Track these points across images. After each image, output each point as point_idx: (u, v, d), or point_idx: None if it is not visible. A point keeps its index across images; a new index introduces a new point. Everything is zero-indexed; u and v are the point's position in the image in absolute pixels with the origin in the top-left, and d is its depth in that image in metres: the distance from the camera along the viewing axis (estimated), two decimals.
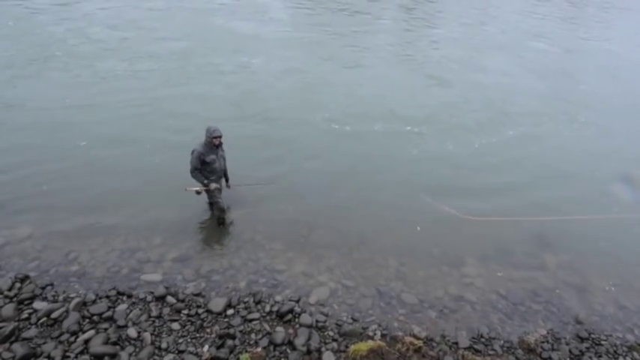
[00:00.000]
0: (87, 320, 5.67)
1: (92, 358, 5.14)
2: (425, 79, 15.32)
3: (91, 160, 9.09)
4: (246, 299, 6.26)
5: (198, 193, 7.26)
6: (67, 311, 5.72)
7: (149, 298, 6.14)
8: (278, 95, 12.84)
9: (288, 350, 5.52)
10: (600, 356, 6.02)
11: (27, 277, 6.27)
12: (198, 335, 5.63)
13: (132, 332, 5.55)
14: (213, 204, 7.54)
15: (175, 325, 5.74)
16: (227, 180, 7.66)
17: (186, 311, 5.96)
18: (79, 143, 9.57)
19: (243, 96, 12.55)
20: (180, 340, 5.53)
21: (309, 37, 18.70)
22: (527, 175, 10.12)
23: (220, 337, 5.58)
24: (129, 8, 19.99)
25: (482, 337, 6.13)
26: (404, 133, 11.41)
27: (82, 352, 5.19)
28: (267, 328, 5.81)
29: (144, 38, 16.39)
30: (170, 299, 6.12)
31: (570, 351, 6.02)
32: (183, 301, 6.14)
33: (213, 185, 7.18)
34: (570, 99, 14.82)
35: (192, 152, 6.92)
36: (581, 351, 6.05)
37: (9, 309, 5.65)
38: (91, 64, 13.64)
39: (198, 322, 5.81)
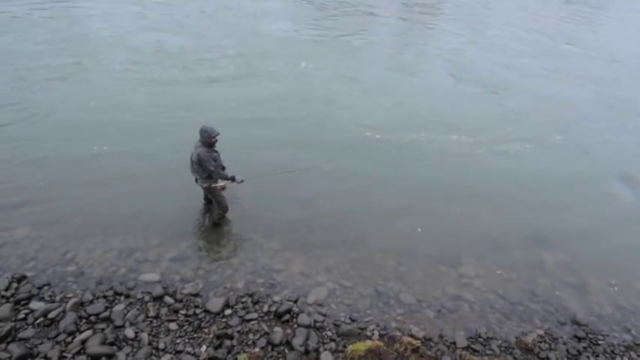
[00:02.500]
0: (84, 320, 5.65)
1: (89, 358, 5.13)
2: (474, 86, 14.91)
3: (90, 160, 9.05)
4: (244, 299, 6.25)
5: (223, 188, 7.29)
6: (64, 311, 5.70)
7: (147, 298, 6.12)
8: (323, 99, 12.80)
9: (286, 350, 5.52)
10: (598, 356, 6.03)
11: (24, 277, 6.24)
12: (195, 335, 5.62)
13: (129, 332, 5.54)
14: (218, 203, 7.46)
15: (173, 326, 5.72)
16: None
17: (183, 311, 5.95)
18: (82, 145, 9.51)
19: (286, 99, 12.50)
20: (178, 341, 5.52)
21: (354, 40, 18.77)
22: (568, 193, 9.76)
23: (218, 337, 5.57)
24: (177, 9, 20.19)
25: (480, 336, 6.14)
26: (432, 140, 11.11)
27: (79, 353, 5.17)
28: (265, 328, 5.81)
29: (191, 42, 16.43)
30: (168, 299, 6.11)
31: (568, 351, 6.04)
32: (180, 301, 6.13)
33: (239, 177, 7.20)
34: (619, 106, 14.60)
35: (200, 155, 6.79)
36: (578, 351, 6.06)
37: (6, 309, 5.63)
38: (134, 66, 13.68)
39: (196, 322, 5.80)
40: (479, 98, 14.04)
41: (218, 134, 6.85)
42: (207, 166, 6.86)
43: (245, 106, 11.72)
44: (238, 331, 5.71)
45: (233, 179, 7.19)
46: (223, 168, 7.41)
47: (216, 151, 7.05)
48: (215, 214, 7.61)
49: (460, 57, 17.82)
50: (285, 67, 14.87)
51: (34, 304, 5.79)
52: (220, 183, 7.18)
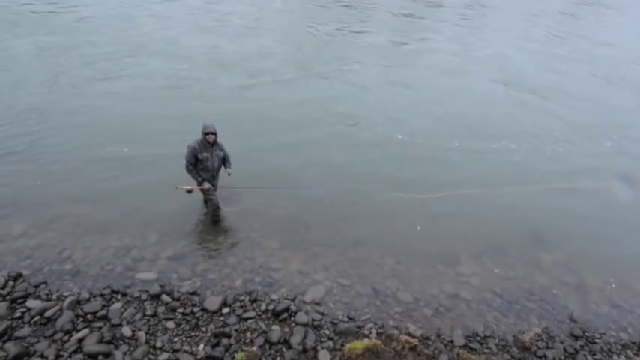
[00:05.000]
0: (81, 319, 5.63)
1: (86, 357, 5.11)
2: (522, 93, 14.81)
3: (88, 159, 9.01)
4: (241, 298, 6.24)
5: (189, 192, 7.12)
6: (60, 310, 5.67)
7: (144, 296, 6.10)
8: (362, 102, 12.94)
9: (284, 349, 5.51)
10: (594, 354, 6.05)
11: (20, 275, 6.21)
12: (193, 334, 5.61)
13: (126, 331, 5.52)
14: (207, 201, 7.50)
15: (170, 324, 5.71)
16: (226, 168, 7.39)
17: (181, 310, 5.94)
18: (81, 142, 9.52)
19: (326, 101, 12.62)
20: (175, 339, 5.51)
21: (400, 42, 18.99)
22: None
23: (216, 335, 5.55)
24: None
25: (477, 335, 6.15)
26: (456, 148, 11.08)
27: (75, 351, 5.15)
28: (263, 326, 5.80)
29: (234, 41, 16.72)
30: (165, 298, 6.09)
31: (565, 349, 6.05)
32: (178, 299, 6.11)
33: (206, 185, 7.11)
34: None
35: (187, 148, 6.88)
36: (575, 349, 6.08)
37: (2, 307, 5.60)
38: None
39: (194, 320, 5.79)
40: (526, 105, 13.95)
41: (211, 132, 6.81)
42: (185, 159, 6.89)
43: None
44: (236, 330, 5.70)
45: (199, 184, 7.13)
46: (217, 172, 7.27)
47: (212, 151, 6.97)
48: (209, 212, 7.61)
49: (505, 62, 17.83)
50: (334, 70, 15.10)
51: (31, 303, 5.76)
52: (186, 186, 7.08)
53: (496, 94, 14.64)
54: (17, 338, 5.25)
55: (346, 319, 6.12)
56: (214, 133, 6.85)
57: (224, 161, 7.29)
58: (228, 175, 7.31)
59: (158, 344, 5.40)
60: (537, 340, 6.14)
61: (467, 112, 12.90)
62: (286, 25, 20.00)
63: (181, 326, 5.70)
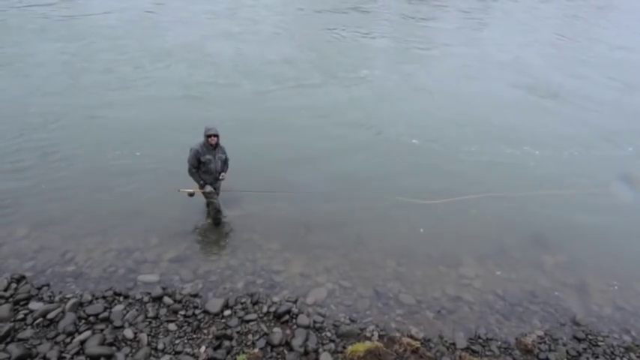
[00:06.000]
0: (83, 321, 5.65)
1: (88, 359, 5.13)
2: (541, 97, 14.70)
3: (94, 163, 9.07)
4: (243, 300, 6.24)
5: (191, 195, 7.14)
6: (63, 312, 5.69)
7: (146, 298, 6.11)
8: (381, 107, 12.96)
9: (286, 351, 5.51)
10: (597, 357, 6.01)
11: (23, 277, 6.24)
12: (195, 336, 5.61)
13: (128, 333, 5.53)
14: (208, 204, 7.52)
15: (172, 326, 5.72)
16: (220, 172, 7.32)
17: (183, 312, 5.94)
18: (90, 146, 9.57)
19: (343, 106, 12.70)
20: (177, 341, 5.52)
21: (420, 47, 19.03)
22: None
23: (217, 338, 5.56)
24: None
25: (479, 337, 6.13)
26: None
27: (78, 353, 5.17)
28: (265, 329, 5.80)
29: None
30: (167, 300, 6.10)
31: (567, 352, 6.02)
32: (180, 301, 6.12)
33: (208, 188, 7.13)
34: None
35: (190, 150, 6.91)
36: (578, 352, 6.05)
37: (5, 309, 5.63)
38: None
39: (195, 322, 5.80)
40: (548, 110, 13.86)
41: (214, 134, 6.83)
42: (188, 162, 6.93)
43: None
44: (237, 332, 5.70)
45: (201, 187, 7.16)
46: (219, 174, 7.26)
47: (215, 153, 7.00)
48: (211, 215, 7.63)
49: (523, 66, 17.78)
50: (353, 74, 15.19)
51: (33, 305, 5.79)
52: (188, 189, 7.11)
53: (515, 98, 14.50)
54: (20, 340, 5.27)
55: (348, 321, 6.11)
56: (217, 136, 6.87)
57: (225, 164, 7.31)
58: (221, 179, 7.31)
59: (160, 346, 5.41)
60: (540, 343, 6.11)
61: (486, 117, 12.77)
62: (305, 30, 20.08)
63: (183, 328, 5.71)
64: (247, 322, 5.88)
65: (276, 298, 6.33)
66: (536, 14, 28.46)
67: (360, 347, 5.45)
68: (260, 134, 10.58)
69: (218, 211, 7.48)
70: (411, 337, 5.88)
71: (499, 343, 6.08)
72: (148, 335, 5.54)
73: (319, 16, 22.88)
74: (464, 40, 20.98)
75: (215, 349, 5.41)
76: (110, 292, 6.14)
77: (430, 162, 10.26)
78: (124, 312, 5.84)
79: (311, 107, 12.41)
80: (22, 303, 5.82)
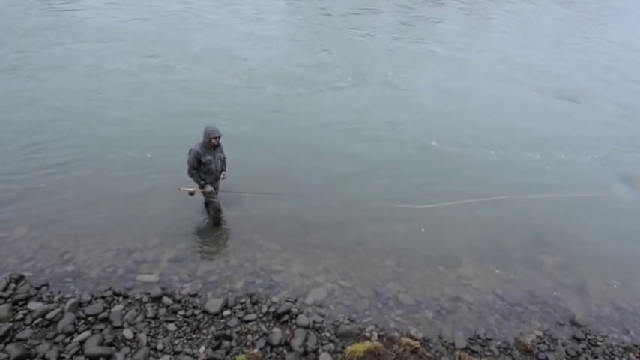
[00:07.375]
0: (82, 321, 5.64)
1: (87, 359, 5.12)
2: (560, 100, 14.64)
3: (89, 161, 9.05)
4: (242, 300, 6.24)
5: (191, 194, 7.14)
6: (62, 312, 5.69)
7: (145, 298, 6.11)
8: (404, 110, 12.96)
9: (285, 351, 5.51)
10: (596, 357, 6.02)
11: (22, 277, 6.23)
12: (194, 336, 5.61)
13: (127, 333, 5.52)
14: (209, 204, 7.52)
15: (171, 326, 5.71)
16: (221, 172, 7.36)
17: (182, 312, 5.94)
18: (95, 148, 9.54)
19: (365, 108, 12.70)
20: (177, 341, 5.51)
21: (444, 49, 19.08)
22: None
23: (217, 338, 5.56)
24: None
25: (478, 337, 6.13)
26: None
27: (77, 353, 5.16)
28: (264, 329, 5.80)
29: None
30: (166, 300, 6.10)
31: (567, 352, 6.03)
32: (179, 301, 6.12)
33: (208, 187, 7.13)
34: None
35: (190, 152, 6.89)
36: (577, 352, 6.06)
37: (4, 309, 5.62)
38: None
39: (195, 322, 5.79)
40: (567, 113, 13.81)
41: (218, 135, 6.82)
42: (188, 163, 6.90)
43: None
44: (237, 332, 5.70)
45: (202, 187, 7.14)
46: (219, 174, 7.27)
47: (215, 153, 7.00)
48: (211, 214, 7.62)
49: (544, 69, 17.74)
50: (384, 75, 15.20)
51: (33, 305, 5.78)
52: (188, 188, 7.10)
53: (538, 102, 14.39)
54: (19, 340, 5.26)
55: (347, 321, 6.11)
56: (220, 137, 6.87)
57: (223, 163, 7.31)
58: (223, 178, 7.33)
59: (159, 346, 5.40)
60: (539, 343, 6.11)
61: (509, 121, 12.69)
62: (328, 33, 20.12)
63: (182, 328, 5.71)
64: (247, 322, 5.88)
65: (275, 298, 6.33)
66: (556, 16, 28.44)
67: (360, 347, 5.45)
68: (270, 133, 10.59)
69: (218, 211, 7.48)
70: (411, 337, 5.88)
71: (498, 343, 6.08)
72: (148, 335, 5.54)
73: (344, 18, 22.86)
74: (491, 43, 20.95)
75: (214, 349, 5.40)
76: (109, 292, 6.13)
77: (444, 165, 10.20)
78: (124, 312, 5.84)
79: (318, 110, 12.36)
80: (21, 303, 5.81)
